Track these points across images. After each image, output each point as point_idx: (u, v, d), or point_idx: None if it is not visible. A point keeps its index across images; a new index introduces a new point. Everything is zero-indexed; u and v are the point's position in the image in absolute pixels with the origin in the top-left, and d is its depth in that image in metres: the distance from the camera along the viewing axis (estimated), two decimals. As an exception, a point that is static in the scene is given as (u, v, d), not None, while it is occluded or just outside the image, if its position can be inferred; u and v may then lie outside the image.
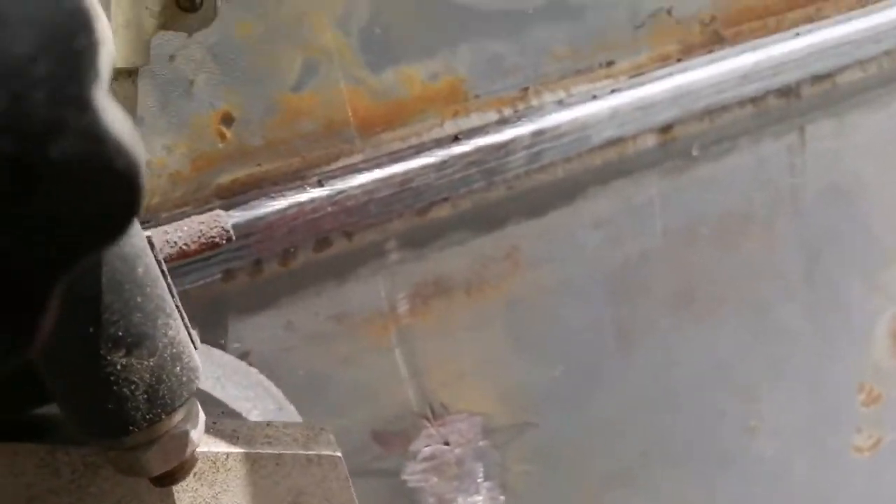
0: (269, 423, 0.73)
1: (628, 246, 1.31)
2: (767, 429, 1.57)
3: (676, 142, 1.28)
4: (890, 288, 1.57)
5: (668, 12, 1.20)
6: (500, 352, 1.28)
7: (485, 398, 1.30)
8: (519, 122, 1.16)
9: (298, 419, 1.08)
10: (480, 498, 1.35)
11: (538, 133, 1.16)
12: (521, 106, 1.16)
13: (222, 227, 1.01)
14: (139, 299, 0.51)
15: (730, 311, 1.44)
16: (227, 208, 1.03)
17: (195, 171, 1.01)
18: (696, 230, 1.35)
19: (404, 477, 1.28)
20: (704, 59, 1.24)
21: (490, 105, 1.15)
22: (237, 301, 1.09)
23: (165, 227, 1.00)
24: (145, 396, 0.52)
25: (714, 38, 1.25)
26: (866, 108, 1.39)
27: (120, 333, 0.50)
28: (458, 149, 1.13)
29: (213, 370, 1.00)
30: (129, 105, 0.74)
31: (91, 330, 0.49)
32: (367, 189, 1.09)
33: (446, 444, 1.30)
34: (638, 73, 1.22)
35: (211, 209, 1.03)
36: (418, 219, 1.16)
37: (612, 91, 1.20)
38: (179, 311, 0.59)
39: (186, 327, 0.61)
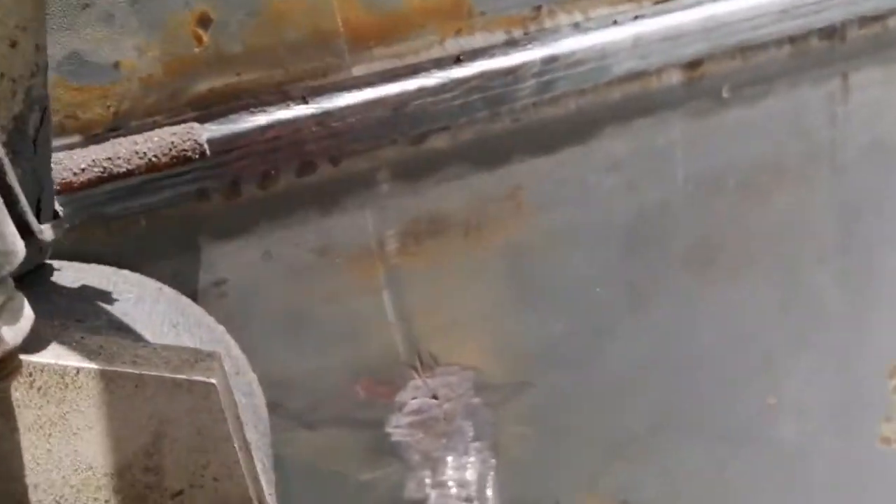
0: (148, 345, 0.66)
1: (646, 193, 1.20)
2: (787, 407, 1.46)
3: (705, 80, 1.16)
4: (934, 260, 1.44)
5: (702, -69, 1.08)
6: (497, 301, 1.18)
7: (479, 351, 1.21)
8: (529, 46, 1.05)
9: (257, 389, 1.00)
10: (471, 459, 1.27)
11: (550, 59, 1.06)
12: (532, 27, 1.06)
13: (196, 141, 0.93)
14: None
15: (754, 272, 1.32)
16: (202, 121, 0.95)
17: (168, 76, 0.93)
18: (722, 180, 1.24)
19: (388, 429, 1.19)
20: (740, -12, 1.12)
21: (498, 24, 1.04)
22: (212, 224, 1.00)
23: (135, 137, 0.92)
24: None
25: (753, -35, 1.12)
26: (920, 55, 1.25)
27: None
28: (459, 71, 1.03)
29: (175, 317, 0.92)
30: None
31: None
32: (357, 110, 1.00)
33: (434, 397, 1.21)
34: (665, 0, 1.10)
35: (184, 120, 0.95)
36: (413, 148, 1.06)
37: (636, 17, 1.09)
38: (11, 198, 0.54)
39: (19, 214, 0.56)
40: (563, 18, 1.07)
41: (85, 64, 0.90)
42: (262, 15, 0.94)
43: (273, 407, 1.12)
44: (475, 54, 1.04)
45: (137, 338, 0.78)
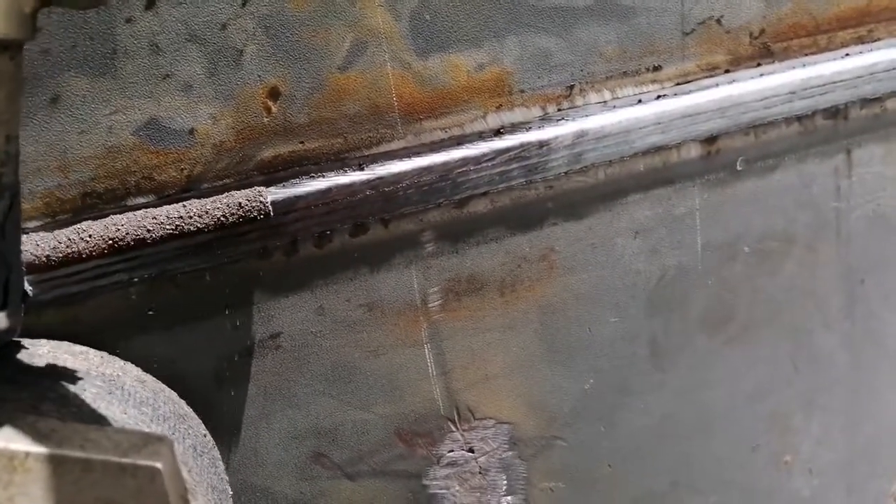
0: (101, 428, 0.64)
1: (667, 258, 1.23)
2: (802, 466, 1.46)
3: (720, 154, 1.21)
4: (935, 325, 1.46)
5: (719, 21, 1.15)
6: (530, 358, 1.20)
7: (513, 406, 1.21)
8: (562, 121, 1.11)
9: (220, 467, 0.97)
10: (502, 512, 1.25)
11: (581, 133, 1.11)
12: (565, 104, 1.11)
13: (262, 203, 0.97)
14: None
15: (767, 335, 1.34)
16: (266, 184, 0.99)
17: (239, 143, 0.97)
18: (736, 247, 1.27)
19: (426, 481, 1.19)
20: (753, 72, 1.18)
21: (535, 101, 1.10)
22: (271, 280, 1.03)
23: (205, 199, 0.96)
24: None
25: (763, 52, 1.19)
26: (916, 134, 1.31)
27: None
28: (499, 143, 1.08)
29: (143, 397, 0.90)
30: (6, 80, 0.62)
31: None
32: (407, 177, 1.04)
33: (471, 450, 1.21)
34: (685, 81, 1.16)
35: (251, 183, 0.99)
36: (456, 211, 1.10)
37: (658, 96, 1.15)
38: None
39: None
40: (593, 97, 1.13)
41: (163, 129, 0.94)
42: (326, 89, 0.99)
43: (317, 457, 1.12)
44: (514, 128, 1.09)
45: (95, 419, 0.78)
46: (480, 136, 1.08)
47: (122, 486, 0.61)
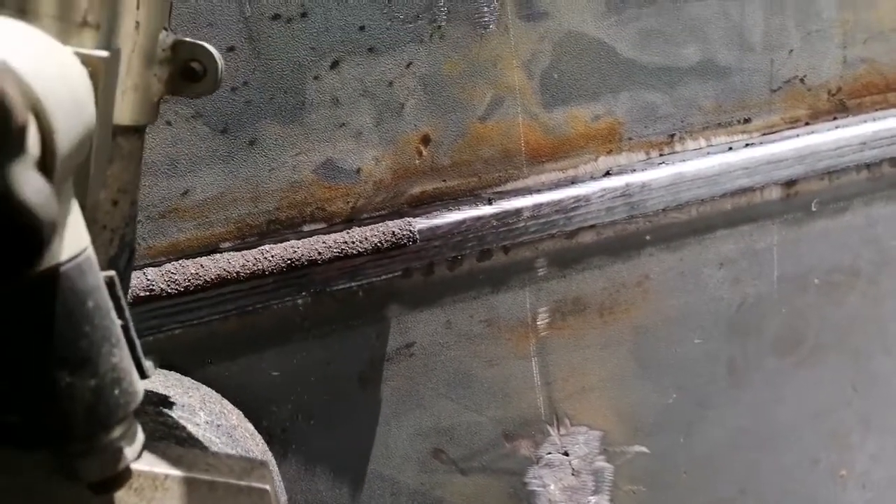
0: (214, 454, 0.82)
1: (747, 287, 1.48)
2: (857, 480, 1.70)
3: (798, 196, 1.46)
4: None
5: (802, 80, 1.40)
6: (622, 373, 1.45)
7: (605, 415, 1.46)
8: (663, 165, 1.36)
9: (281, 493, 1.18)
10: (588, 511, 1.50)
11: (679, 175, 1.36)
12: (666, 150, 1.36)
13: (411, 231, 1.22)
14: (86, 328, 0.57)
15: (831, 359, 1.59)
16: (413, 216, 1.24)
17: (394, 181, 1.23)
18: (808, 279, 1.52)
19: (526, 479, 1.44)
20: (829, 125, 1.43)
21: (640, 147, 1.35)
22: (410, 297, 1.28)
23: (366, 228, 1.21)
24: (85, 412, 0.58)
25: (839, 107, 1.44)
26: (974, 182, 1.56)
27: (66, 356, 0.56)
28: (608, 183, 1.33)
29: (229, 429, 1.11)
30: (134, 157, 0.76)
31: (41, 350, 0.55)
32: (528, 210, 1.29)
33: (566, 454, 1.46)
34: (770, 132, 1.41)
35: (402, 214, 1.24)
36: (566, 241, 1.35)
37: (747, 145, 1.40)
38: (132, 344, 0.66)
39: (137, 358, 0.68)
40: (691, 144, 1.38)
41: (336, 168, 1.20)
42: (468, 137, 1.25)
43: (436, 453, 1.37)
44: (621, 170, 1.34)
45: (204, 447, 0.99)
46: (592, 177, 1.33)
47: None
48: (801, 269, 1.51)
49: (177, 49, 0.75)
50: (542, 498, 1.45)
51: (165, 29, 0.74)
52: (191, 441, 1.01)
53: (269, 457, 1.19)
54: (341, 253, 1.20)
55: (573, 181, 1.33)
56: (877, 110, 1.46)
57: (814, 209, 1.48)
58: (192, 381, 1.17)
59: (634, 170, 1.35)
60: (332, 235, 1.20)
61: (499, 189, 1.29)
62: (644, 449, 1.50)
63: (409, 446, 1.35)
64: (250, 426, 1.20)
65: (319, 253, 1.19)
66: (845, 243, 1.53)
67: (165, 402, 1.07)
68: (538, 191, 1.31)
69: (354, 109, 1.18)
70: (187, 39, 0.75)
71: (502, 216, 1.28)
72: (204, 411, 1.10)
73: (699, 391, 1.51)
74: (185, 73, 0.77)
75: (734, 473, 1.59)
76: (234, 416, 1.17)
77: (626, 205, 1.35)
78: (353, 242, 1.21)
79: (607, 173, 1.34)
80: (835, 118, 1.44)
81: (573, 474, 1.47)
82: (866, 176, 1.49)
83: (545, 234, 1.32)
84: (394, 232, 1.22)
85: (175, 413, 1.05)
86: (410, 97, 1.20)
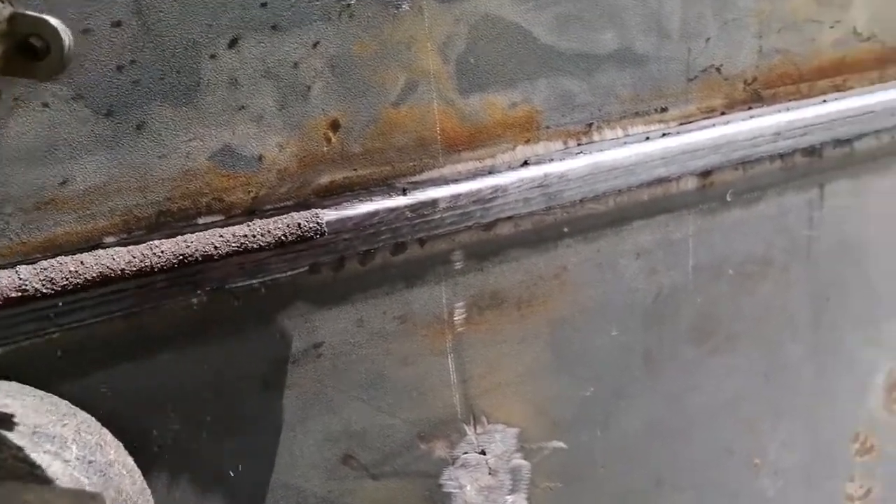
0: (37, 487, 0.76)
1: (663, 277, 1.49)
2: (769, 467, 1.75)
3: (714, 187, 1.47)
4: (888, 342, 1.78)
5: (718, 69, 1.40)
6: (540, 367, 1.43)
7: (522, 411, 1.44)
8: (580, 154, 1.34)
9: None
10: (506, 509, 1.48)
11: (596, 165, 1.34)
12: (584, 139, 1.35)
13: (318, 224, 1.16)
14: None
15: (744, 347, 1.62)
16: (321, 207, 1.18)
17: (301, 169, 1.16)
18: (722, 269, 1.54)
19: (441, 481, 1.40)
20: (744, 115, 1.45)
21: (558, 136, 1.33)
22: (318, 294, 1.22)
23: (269, 220, 1.14)
24: None
25: (754, 97, 1.46)
26: (879, 174, 1.61)
27: None
28: (525, 173, 1.30)
29: (85, 452, 1.01)
30: None
31: None
32: (444, 201, 1.25)
33: (483, 452, 1.43)
34: (687, 121, 1.41)
35: (309, 206, 1.17)
36: (484, 233, 1.31)
37: (664, 135, 1.39)
38: None
39: None
40: (608, 133, 1.36)
41: (235, 155, 1.12)
42: (380, 123, 1.19)
43: (346, 459, 1.32)
44: (539, 159, 1.31)
45: (36, 476, 0.89)
46: (509, 167, 1.30)
47: None
48: (715, 259, 1.53)
49: (14, 22, 0.68)
50: (458, 499, 1.43)
51: (2, 1, 0.67)
52: (35, 479, 0.90)
53: (146, 495, 1.10)
54: (241, 247, 1.13)
55: (491, 171, 1.29)
56: (790, 101, 1.48)
57: (728, 199, 1.50)
58: (70, 405, 1.07)
59: (552, 159, 1.32)
60: (231, 228, 1.12)
61: (413, 179, 1.24)
62: (561, 444, 1.50)
63: (316, 453, 1.29)
64: (130, 460, 1.11)
65: (216, 248, 1.11)
66: (758, 233, 1.56)
67: (35, 432, 0.96)
68: (455, 181, 1.26)
69: (255, 91, 1.10)
70: (28, 13, 0.68)
71: (417, 207, 1.24)
72: (77, 444, 0.99)
73: (616, 383, 1.51)
74: (23, 49, 0.70)
75: (651, 465, 1.61)
76: (113, 449, 1.08)
77: (543, 195, 1.32)
78: (255, 236, 1.13)
79: (525, 163, 1.31)
80: (750, 108, 1.46)
81: (490, 473, 1.45)
82: (779, 166, 1.52)
83: (462, 226, 1.28)
84: (299, 224, 1.15)
85: (43, 447, 0.95)
86: (317, 79, 1.13)
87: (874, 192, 1.63)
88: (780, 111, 1.47)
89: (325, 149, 1.17)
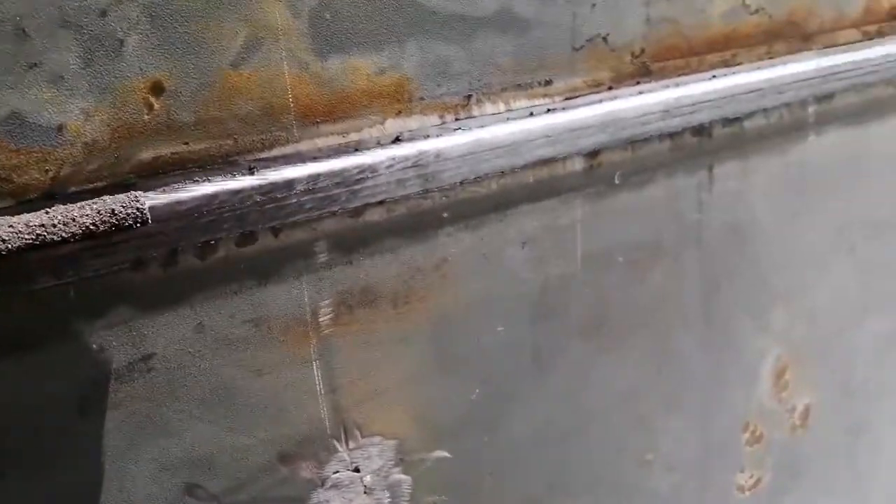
0: None
1: (551, 267, 1.33)
2: (662, 463, 1.63)
3: (602, 168, 1.33)
4: (775, 328, 1.70)
5: (605, 39, 1.26)
6: (420, 370, 1.24)
7: (401, 420, 1.25)
8: (459, 130, 1.16)
9: None
10: (386, 531, 1.29)
11: (477, 143, 1.17)
12: (462, 114, 1.17)
13: (138, 209, 0.92)
14: None
15: (636, 339, 1.49)
16: (145, 189, 0.94)
17: (115, 142, 0.92)
18: (612, 257, 1.40)
19: (309, 505, 1.19)
20: (632, 90, 1.31)
21: (433, 109, 1.14)
22: (144, 295, 0.98)
23: (72, 204, 0.89)
24: None
25: (642, 71, 1.32)
26: (767, 154, 1.52)
27: None
28: (397, 150, 1.11)
29: None
30: None
31: None
32: (301, 183, 1.04)
33: (357, 470, 1.23)
34: (573, 96, 1.26)
35: (128, 187, 0.93)
36: (351, 220, 1.11)
37: (549, 110, 1.23)
38: None
39: None
40: (489, 107, 1.19)
41: (26, 125, 0.86)
42: (216, 87, 0.96)
43: (191, 489, 1.08)
44: (413, 135, 1.12)
45: None
46: (379, 143, 1.10)
47: None
48: (604, 246, 1.39)
49: None
50: (331, 524, 1.22)
51: None
52: None
53: None
54: (38, 240, 0.87)
55: (357, 148, 1.09)
56: (679, 75, 1.36)
57: (617, 182, 1.36)
58: None
59: (428, 136, 1.14)
60: (24, 216, 0.86)
61: (262, 155, 1.02)
62: (445, 454, 1.31)
63: (153, 484, 1.05)
64: None
65: (4, 241, 0.86)
66: (648, 218, 1.43)
67: None
68: (314, 158, 1.05)
69: (51, 45, 0.85)
70: None
71: (268, 189, 1.02)
72: None
73: (503, 383, 1.35)
74: None
75: (541, 469, 1.45)
76: None
77: (419, 177, 1.13)
78: (56, 225, 0.88)
79: (397, 139, 1.11)
80: (638, 83, 1.32)
81: (366, 493, 1.25)
82: (669, 146, 1.39)
83: (325, 212, 1.07)
84: (114, 210, 0.90)
85: None
86: (132, 32, 0.90)
87: (763, 173, 1.53)
88: (668, 87, 1.34)
89: (147, 117, 0.93)
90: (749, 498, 1.82)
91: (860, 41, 1.57)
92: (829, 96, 1.55)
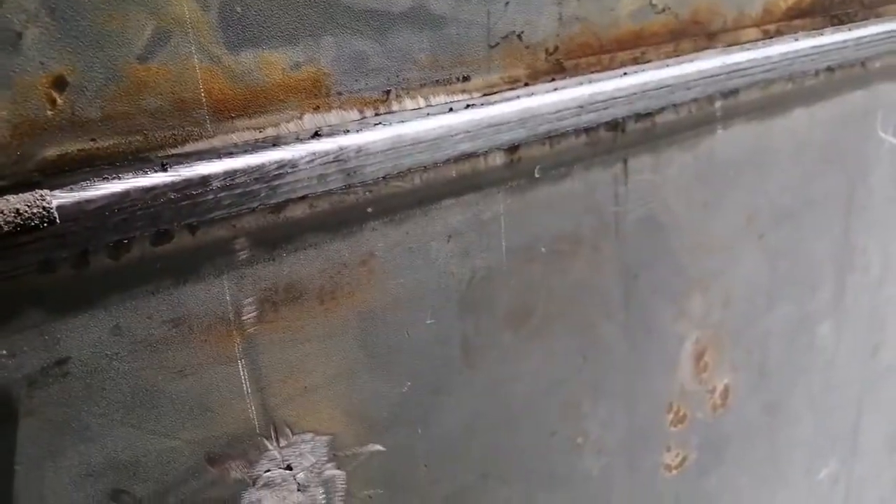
0: None
1: (476, 260, 1.29)
2: (591, 446, 1.61)
3: (522, 162, 1.30)
4: (693, 313, 1.70)
5: (519, 36, 1.23)
6: (351, 366, 1.19)
7: (332, 416, 1.19)
8: (380, 126, 1.11)
9: None
10: (321, 527, 1.23)
11: (398, 138, 1.12)
12: (382, 109, 1.12)
13: (45, 209, 0.84)
14: None
15: (561, 329, 1.46)
16: (51, 187, 0.87)
17: (16, 139, 0.84)
18: (535, 249, 1.37)
19: (241, 506, 1.12)
20: (548, 87, 1.29)
21: (353, 104, 1.09)
22: (55, 297, 0.90)
23: (-31, 203, 0.81)
24: None
25: (557, 68, 1.30)
26: (678, 148, 1.52)
27: None
28: (317, 145, 1.05)
29: None
30: None
31: None
32: (217, 179, 0.97)
33: (289, 468, 1.17)
34: (490, 92, 1.23)
35: (31, 187, 0.86)
36: (272, 217, 1.05)
37: (468, 106, 1.20)
38: None
39: None
40: (409, 103, 1.15)
41: (-86, 122, 0.78)
42: (123, 81, 0.90)
43: (116, 494, 1.01)
44: (332, 130, 1.07)
45: None
46: (297, 138, 1.04)
47: None
48: (527, 238, 1.36)
49: None
50: (263, 524, 1.15)
51: None
52: None
53: None
54: (-68, 242, 0.79)
55: (275, 143, 1.03)
56: (592, 72, 1.34)
57: (537, 176, 1.33)
58: None
59: (348, 131, 1.09)
60: (-84, 217, 0.78)
61: (175, 151, 0.96)
62: (379, 447, 1.26)
63: (75, 492, 0.97)
64: None
65: None
66: (568, 210, 1.41)
67: None
68: (230, 153, 0.99)
69: (-64, 35, 0.78)
70: None
71: (182, 186, 0.95)
72: None
73: (434, 376, 1.30)
74: None
75: (475, 459, 1.41)
76: None
77: (341, 172, 1.08)
78: (-48, 226, 0.80)
79: (316, 134, 1.06)
80: (553, 80, 1.30)
81: (299, 490, 1.18)
82: (585, 141, 1.37)
83: (244, 208, 1.01)
84: (18, 210, 0.83)
85: None
86: (31, 24, 0.82)
87: (675, 166, 1.53)
88: (582, 83, 1.32)
89: (50, 113, 0.86)
90: (676, 476, 1.82)
91: (761, 39, 1.59)
92: (734, 92, 1.57)
